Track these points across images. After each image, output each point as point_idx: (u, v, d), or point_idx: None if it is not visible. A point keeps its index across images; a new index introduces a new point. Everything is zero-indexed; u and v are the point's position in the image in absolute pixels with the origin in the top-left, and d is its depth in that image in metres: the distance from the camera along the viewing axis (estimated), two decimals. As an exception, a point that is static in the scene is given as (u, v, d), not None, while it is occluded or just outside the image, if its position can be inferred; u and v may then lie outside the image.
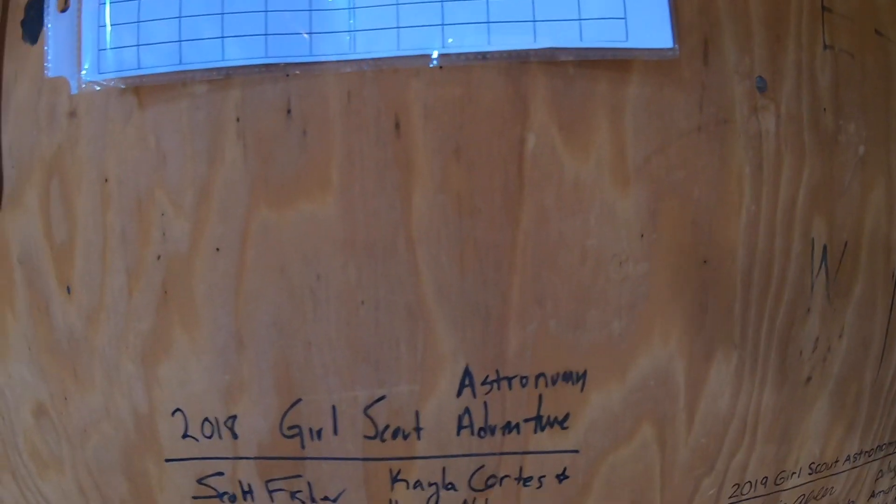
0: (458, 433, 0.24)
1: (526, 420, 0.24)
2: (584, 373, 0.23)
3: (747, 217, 0.23)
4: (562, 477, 0.26)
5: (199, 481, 0.27)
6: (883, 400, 0.32)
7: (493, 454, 0.24)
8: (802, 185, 0.24)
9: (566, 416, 0.24)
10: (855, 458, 0.33)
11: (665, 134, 0.22)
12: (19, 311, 0.26)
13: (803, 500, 0.33)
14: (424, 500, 0.26)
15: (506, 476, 0.25)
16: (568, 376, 0.23)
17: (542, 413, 0.24)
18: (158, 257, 0.23)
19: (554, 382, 0.24)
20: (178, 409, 0.25)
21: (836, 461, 0.32)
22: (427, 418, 0.24)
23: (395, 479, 0.25)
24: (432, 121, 0.20)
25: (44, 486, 0.30)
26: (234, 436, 0.25)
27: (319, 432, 0.24)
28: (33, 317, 0.26)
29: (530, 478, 0.26)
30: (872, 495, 0.37)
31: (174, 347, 0.24)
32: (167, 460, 0.27)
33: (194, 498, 0.27)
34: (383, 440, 0.24)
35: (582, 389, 0.24)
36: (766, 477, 0.29)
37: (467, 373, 0.23)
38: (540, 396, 0.24)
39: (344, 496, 0.26)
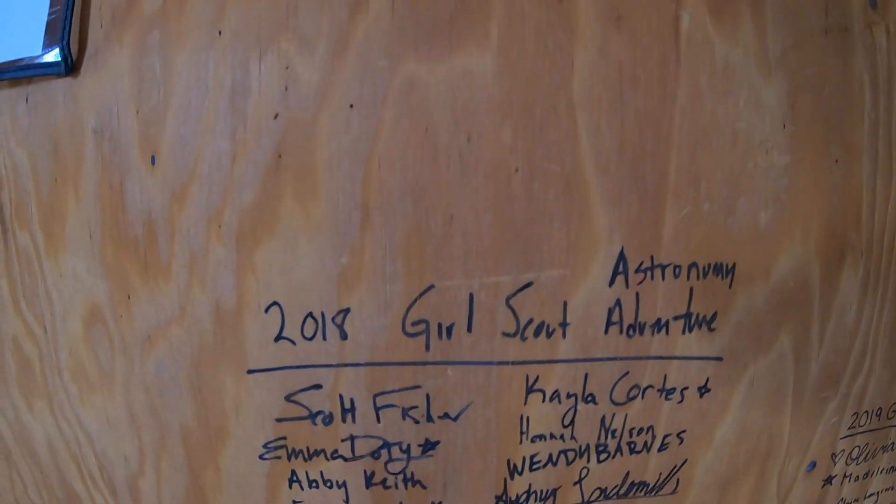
0: (607, 331, 0.21)
1: (675, 318, 0.22)
2: (734, 266, 0.22)
3: (869, 121, 0.24)
4: (703, 390, 0.24)
5: (289, 398, 0.22)
6: None
7: (640, 358, 0.22)
8: None
9: (714, 315, 0.22)
10: None
11: (798, 31, 0.23)
12: (85, 192, 0.21)
13: None
14: (559, 417, 0.22)
15: (649, 386, 0.23)
16: (718, 269, 0.22)
17: (692, 310, 0.22)
18: (276, 116, 0.20)
19: (705, 275, 0.22)
20: (274, 303, 0.21)
21: None
22: (575, 311, 0.21)
23: (530, 389, 0.22)
24: (594, -13, 0.20)
25: (85, 413, 0.24)
26: (343, 335, 0.21)
27: (450, 329, 0.20)
28: (102, 197, 0.21)
29: (673, 389, 0.23)
30: None
31: (281, 224, 0.20)
32: (251, 371, 0.22)
33: (279, 421, 0.22)
34: (524, 338, 0.21)
35: (730, 285, 0.22)
36: (881, 408, 0.29)
37: (622, 257, 0.21)
38: (691, 290, 0.22)
39: (467, 413, 0.22)
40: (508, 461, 0.22)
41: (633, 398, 0.22)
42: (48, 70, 0.21)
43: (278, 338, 0.21)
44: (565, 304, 0.21)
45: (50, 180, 0.22)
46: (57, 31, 0.21)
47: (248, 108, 0.20)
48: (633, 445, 0.23)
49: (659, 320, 0.22)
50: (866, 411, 0.28)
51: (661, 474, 0.24)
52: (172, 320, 0.21)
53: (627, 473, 0.24)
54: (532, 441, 0.22)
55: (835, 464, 0.29)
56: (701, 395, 0.24)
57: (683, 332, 0.22)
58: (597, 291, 0.21)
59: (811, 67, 0.23)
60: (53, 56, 0.21)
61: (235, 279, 0.20)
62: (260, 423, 0.22)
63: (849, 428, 0.28)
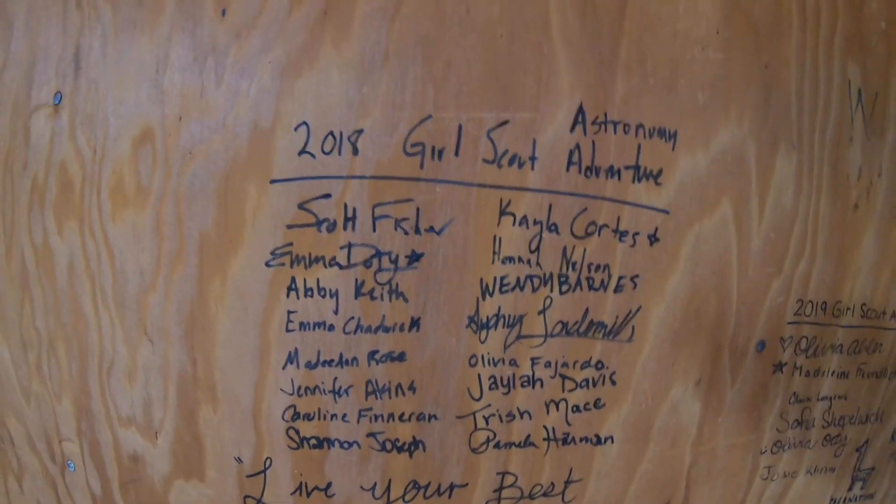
0: (568, 168, 0.32)
1: (626, 167, 0.32)
2: (676, 132, 0.33)
3: (797, 41, 0.36)
4: (653, 238, 0.34)
5: (301, 206, 0.32)
6: None
7: (596, 197, 0.32)
8: (837, 32, 0.38)
9: (660, 171, 0.33)
10: None
11: None
12: (159, 35, 0.33)
13: (857, 347, 0.40)
14: (527, 240, 0.32)
15: (604, 225, 0.33)
16: (662, 132, 0.33)
17: (640, 163, 0.32)
18: None
19: (650, 135, 0.33)
20: (303, 123, 0.32)
21: (884, 313, 0.41)
22: (542, 148, 0.32)
23: (503, 212, 0.32)
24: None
25: (113, 228, 0.34)
26: (355, 151, 0.31)
27: (441, 152, 0.31)
28: (172, 37, 0.33)
29: (626, 232, 0.33)
30: None
31: (320, 61, 0.32)
32: (273, 181, 0.32)
33: (289, 227, 0.32)
34: (500, 166, 0.31)
35: (673, 148, 0.33)
36: (825, 302, 0.38)
37: (581, 110, 0.32)
38: (639, 146, 0.33)
39: (450, 228, 0.32)
40: (481, 280, 0.32)
41: (591, 234, 0.32)
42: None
43: (301, 152, 0.31)
44: (534, 141, 0.32)
45: (129, 27, 0.34)
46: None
47: (302, -23, 0.32)
48: (591, 281, 0.33)
49: (612, 167, 0.32)
50: (811, 301, 0.38)
51: (617, 317, 0.34)
52: (214, 136, 0.32)
53: (587, 311, 0.33)
54: (503, 262, 0.32)
55: (783, 349, 0.38)
56: (651, 243, 0.33)
57: (633, 181, 0.33)
58: (560, 134, 0.32)
59: (742, -6, 0.36)
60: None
61: (276, 102, 0.31)
62: (272, 229, 0.32)
63: (794, 314, 0.37)
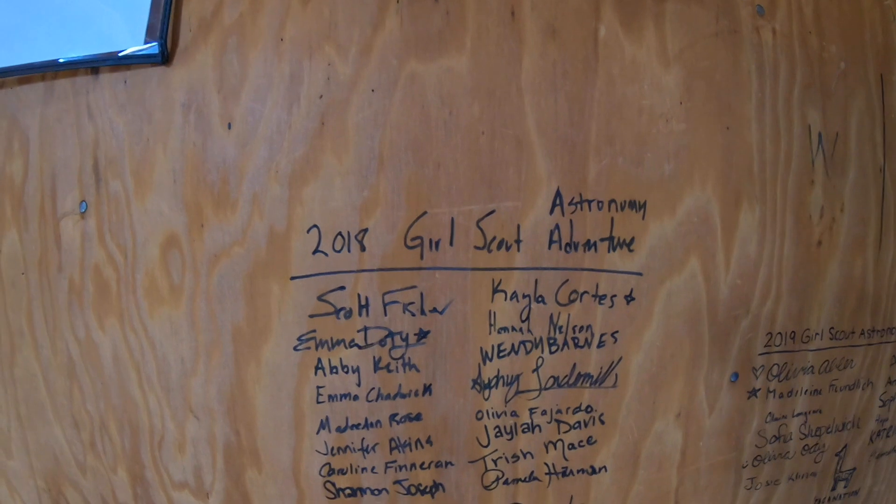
0: (550, 247, 0.40)
1: (602, 239, 0.41)
2: (645, 203, 0.41)
3: (756, 99, 0.44)
4: (629, 298, 0.42)
5: (320, 298, 0.41)
6: (887, 281, 0.52)
7: (576, 269, 0.41)
8: (797, 83, 0.45)
9: (632, 240, 0.41)
10: (870, 334, 0.52)
11: (692, 35, 0.43)
12: (172, 148, 0.41)
13: (827, 367, 0.50)
14: (518, 312, 0.41)
15: (585, 292, 0.41)
16: (633, 204, 0.41)
17: (613, 234, 0.41)
18: (321, 96, 0.40)
19: (622, 208, 0.41)
20: (314, 226, 0.40)
21: (853, 332, 0.50)
22: (526, 231, 0.40)
23: (496, 290, 0.40)
24: (536, 11, 0.41)
25: (152, 323, 0.43)
26: (363, 248, 0.40)
27: (438, 243, 0.40)
28: (186, 152, 0.41)
29: (604, 296, 0.42)
30: (889, 381, 0.56)
31: (322, 170, 0.40)
32: (293, 278, 0.41)
33: (311, 317, 0.41)
34: (490, 250, 0.40)
35: (643, 217, 0.42)
36: (794, 332, 0.47)
37: (558, 193, 0.40)
38: (612, 219, 0.41)
39: (450, 307, 0.40)
40: (481, 349, 0.41)
41: (574, 300, 0.41)
42: (147, 60, 0.42)
43: (315, 252, 0.40)
44: (518, 226, 0.40)
45: (143, 140, 0.42)
46: (156, 31, 0.42)
47: (301, 91, 0.40)
48: (576, 340, 0.42)
49: (589, 241, 0.41)
50: (779, 333, 0.47)
51: (601, 368, 0.43)
52: (235, 242, 0.40)
53: (574, 365, 0.42)
54: (499, 332, 0.41)
55: (756, 377, 0.47)
56: (628, 303, 0.42)
57: (609, 251, 0.41)
58: (541, 218, 0.40)
59: (704, 61, 0.43)
60: (152, 49, 0.42)
61: (287, 209, 0.40)
62: (296, 318, 0.41)
63: (765, 346, 0.47)
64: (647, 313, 0.43)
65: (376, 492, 0.44)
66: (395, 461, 0.43)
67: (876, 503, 0.60)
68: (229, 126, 0.41)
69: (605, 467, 0.45)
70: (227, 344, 0.42)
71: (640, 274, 0.42)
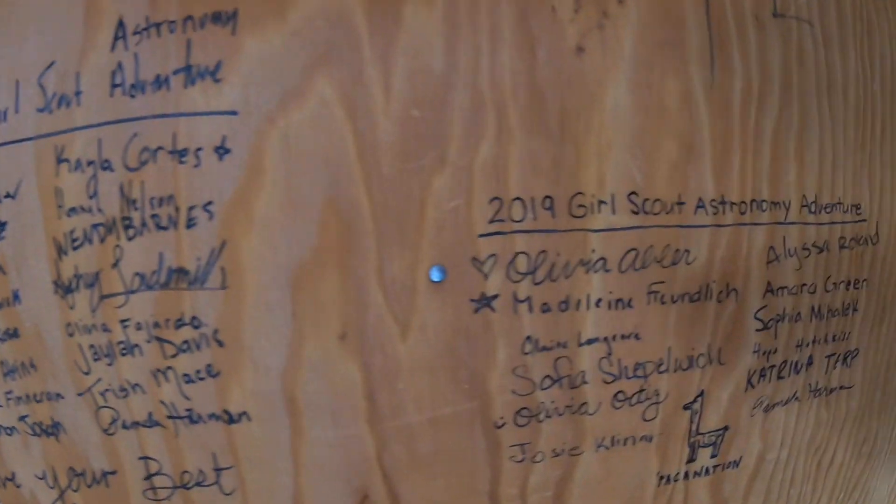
0: (111, 93, 0.30)
1: (175, 72, 0.29)
2: (235, 12, 0.29)
3: None
4: (221, 150, 0.29)
5: None
6: (737, 123, 0.32)
7: (144, 118, 0.29)
8: None
9: (217, 66, 0.29)
10: (717, 206, 0.30)
11: None
12: None
13: (639, 260, 0.28)
14: (84, 183, 0.31)
15: (160, 148, 0.30)
16: (217, 17, 0.29)
17: (191, 62, 0.29)
18: None
19: (202, 25, 0.29)
20: None
21: (680, 202, 0.27)
22: (86, 80, 0.31)
23: (59, 160, 0.31)
24: None
25: None
26: None
27: (5, 113, 0.33)
28: None
29: (185, 150, 0.29)
30: (771, 290, 0.34)
31: None
32: None
33: None
34: (51, 111, 0.31)
35: (234, 32, 0.29)
36: (550, 197, 0.27)
37: (120, 23, 0.30)
38: (189, 42, 0.29)
39: (22, 189, 0.32)
40: (54, 239, 0.31)
41: (146, 162, 0.29)
42: None
43: None
44: (78, 74, 0.30)
45: None
46: None
47: None
48: (157, 219, 0.29)
49: (158, 77, 0.29)
50: (520, 199, 0.27)
51: (199, 259, 0.29)
52: None
53: (161, 256, 0.29)
54: (68, 215, 0.31)
55: (485, 273, 0.28)
56: (220, 157, 0.29)
57: (185, 87, 0.29)
58: (102, 59, 0.30)
59: None
60: None
61: None
62: None
63: (491, 221, 0.28)
64: (253, 170, 0.29)
65: (9, 430, 0.36)
66: (11, 391, 0.35)
67: (792, 477, 0.38)
68: None
69: (245, 413, 0.30)
70: None
71: (233, 113, 0.29)
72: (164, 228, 0.30)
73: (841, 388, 0.42)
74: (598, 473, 0.34)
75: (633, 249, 0.31)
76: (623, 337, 0.32)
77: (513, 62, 0.29)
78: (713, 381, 0.35)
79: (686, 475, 0.37)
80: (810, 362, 0.39)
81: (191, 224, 0.30)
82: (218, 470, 0.32)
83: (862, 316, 0.41)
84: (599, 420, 0.33)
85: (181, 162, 0.30)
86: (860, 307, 0.40)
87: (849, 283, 0.39)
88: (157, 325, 0.31)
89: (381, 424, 0.31)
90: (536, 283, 0.30)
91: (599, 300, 0.32)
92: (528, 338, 0.31)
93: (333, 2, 0.29)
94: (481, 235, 0.29)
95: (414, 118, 0.28)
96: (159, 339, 0.31)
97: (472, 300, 0.30)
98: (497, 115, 0.29)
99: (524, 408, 0.32)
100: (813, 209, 0.37)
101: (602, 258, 0.31)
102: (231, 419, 0.31)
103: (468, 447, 0.32)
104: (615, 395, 0.33)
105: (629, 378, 0.33)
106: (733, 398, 0.36)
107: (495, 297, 0.30)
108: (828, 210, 0.37)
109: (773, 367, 0.37)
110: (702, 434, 0.36)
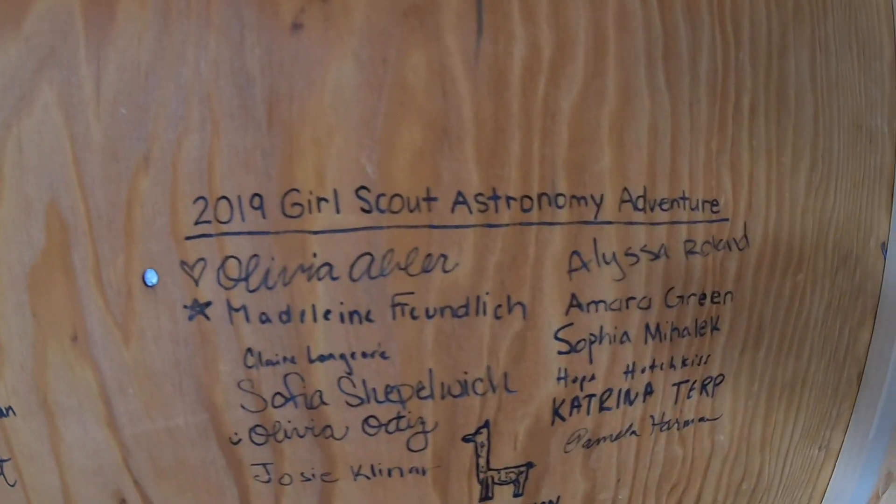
0: None
1: None
2: None
3: None
4: None
5: None
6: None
7: None
8: None
9: None
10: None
11: None
12: None
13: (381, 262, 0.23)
14: None
15: None
16: None
17: None
18: None
19: None
20: None
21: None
22: None
23: None
24: None
25: None
26: None
27: None
28: None
29: None
30: (577, 304, 0.28)
31: None
32: None
33: None
34: None
35: None
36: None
37: None
38: None
39: None
40: None
41: None
42: None
43: None
44: None
45: None
46: None
47: None
48: None
49: None
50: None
51: None
52: None
53: None
54: None
55: (193, 275, 0.24)
56: None
57: None
58: None
59: None
60: None
61: None
62: None
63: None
64: (-10, 177, 0.29)
65: None
66: None
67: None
68: None
69: (10, 407, 0.30)
70: None
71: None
72: None
73: (701, 420, 0.34)
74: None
75: (367, 254, 0.27)
76: (365, 355, 0.28)
77: (219, 49, 0.27)
78: (501, 411, 0.30)
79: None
80: (649, 391, 0.32)
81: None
82: (1, 461, 0.33)
83: (727, 336, 0.32)
84: (350, 446, 0.29)
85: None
86: (723, 326, 0.32)
87: (703, 297, 0.31)
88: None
89: (122, 431, 0.30)
90: (251, 291, 0.28)
91: (328, 311, 0.28)
92: (250, 350, 0.28)
93: (57, 3, 0.29)
94: (187, 238, 0.27)
95: (121, 117, 0.28)
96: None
97: (185, 306, 0.28)
98: (200, 108, 0.27)
99: (258, 425, 0.29)
100: (640, 206, 0.29)
101: (327, 263, 0.27)
102: (1, 413, 0.32)
103: (208, 461, 0.30)
104: (366, 420, 0.29)
105: (380, 402, 0.29)
106: (534, 432, 0.30)
107: (208, 304, 0.28)
108: (665, 207, 0.30)
109: (590, 396, 0.31)
110: (495, 470, 0.31)
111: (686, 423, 0.32)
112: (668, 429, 0.33)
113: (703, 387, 0.33)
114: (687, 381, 0.32)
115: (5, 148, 0.29)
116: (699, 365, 0.32)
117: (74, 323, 0.29)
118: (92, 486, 0.32)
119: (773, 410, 0.37)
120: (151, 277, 0.28)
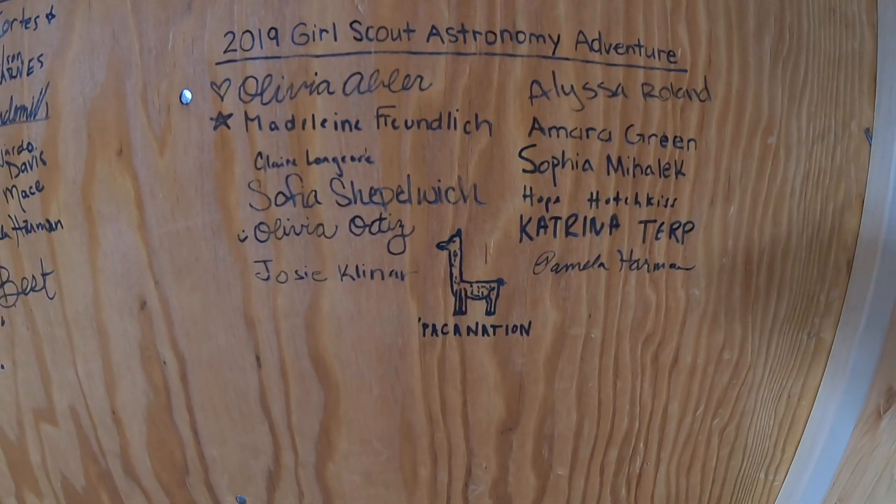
0: None
1: None
2: None
3: None
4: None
5: None
6: None
7: None
8: None
9: None
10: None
11: None
12: None
13: None
14: None
15: None
16: None
17: None
18: None
19: None
20: None
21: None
22: None
23: None
24: None
25: None
26: None
27: None
28: None
29: None
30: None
31: None
32: None
33: None
34: None
35: None
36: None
37: None
38: None
39: None
40: None
41: None
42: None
43: None
44: None
45: None
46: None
47: None
48: (10, 71, 0.38)
49: None
50: None
51: (33, 98, 0.36)
52: None
53: (11, 98, 0.37)
54: None
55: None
56: (49, 21, 0.36)
57: None
58: None
59: None
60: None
61: None
62: None
63: None
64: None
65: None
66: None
67: (616, 367, 0.35)
68: None
69: (59, 221, 0.36)
70: None
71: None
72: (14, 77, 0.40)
73: (672, 266, 0.35)
74: (350, 308, 0.34)
75: (358, 73, 0.32)
76: (353, 159, 0.33)
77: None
78: (472, 221, 0.33)
79: (457, 330, 0.34)
80: (615, 224, 0.34)
81: (29, 72, 0.39)
82: (44, 275, 0.39)
83: (693, 184, 0.35)
84: (338, 245, 0.33)
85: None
86: (688, 171, 0.34)
87: (665, 140, 0.34)
88: (7, 152, 0.40)
89: (150, 232, 0.35)
90: (264, 104, 0.33)
91: (325, 120, 0.33)
92: (260, 154, 0.33)
93: None
94: (217, 63, 0.34)
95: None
96: (9, 164, 0.40)
97: (211, 118, 0.34)
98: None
99: (262, 223, 0.34)
100: (596, 47, 0.34)
101: (325, 81, 0.33)
102: (51, 227, 0.38)
103: (218, 258, 0.35)
104: (352, 220, 0.33)
105: (365, 203, 0.33)
106: (503, 247, 0.33)
107: (230, 115, 0.33)
108: (620, 51, 0.34)
109: (556, 218, 0.34)
110: (468, 283, 0.34)
111: (657, 267, 0.34)
112: (638, 268, 0.34)
113: (673, 231, 0.34)
114: (654, 220, 0.34)
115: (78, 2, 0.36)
116: (665, 207, 0.34)
117: (121, 139, 0.35)
118: (119, 289, 0.37)
119: (752, 276, 0.37)
120: (187, 96, 0.34)
